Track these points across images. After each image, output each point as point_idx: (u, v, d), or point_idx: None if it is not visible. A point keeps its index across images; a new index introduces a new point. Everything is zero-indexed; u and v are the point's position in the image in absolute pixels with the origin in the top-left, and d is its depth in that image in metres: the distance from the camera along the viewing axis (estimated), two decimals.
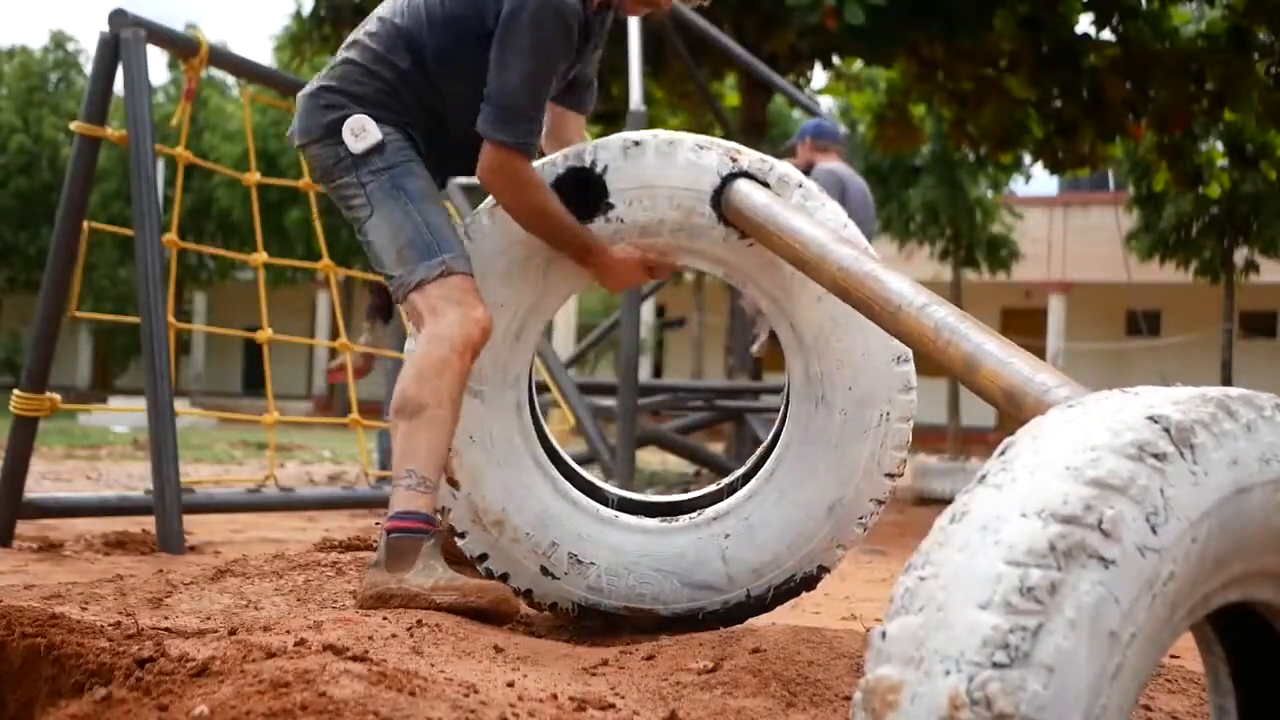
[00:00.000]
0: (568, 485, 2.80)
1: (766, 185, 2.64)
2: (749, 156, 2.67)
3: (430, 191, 2.70)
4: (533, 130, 2.63)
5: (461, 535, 2.74)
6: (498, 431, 2.72)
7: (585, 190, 2.64)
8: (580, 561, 2.72)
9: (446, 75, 2.70)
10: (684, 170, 2.63)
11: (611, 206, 2.64)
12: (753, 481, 2.80)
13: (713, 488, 2.92)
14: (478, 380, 2.66)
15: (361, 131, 2.67)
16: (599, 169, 2.64)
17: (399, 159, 2.67)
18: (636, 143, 2.65)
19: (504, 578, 2.72)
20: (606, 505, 2.84)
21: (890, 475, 2.71)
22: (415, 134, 2.73)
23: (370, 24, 2.77)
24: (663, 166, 2.63)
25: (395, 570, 2.52)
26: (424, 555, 2.53)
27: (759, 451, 2.89)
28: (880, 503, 2.73)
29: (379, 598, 2.52)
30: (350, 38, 2.80)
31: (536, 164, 2.67)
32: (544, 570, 2.72)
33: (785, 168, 2.69)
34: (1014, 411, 1.75)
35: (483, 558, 2.73)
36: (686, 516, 2.80)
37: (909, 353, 2.66)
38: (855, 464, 2.69)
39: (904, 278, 2.18)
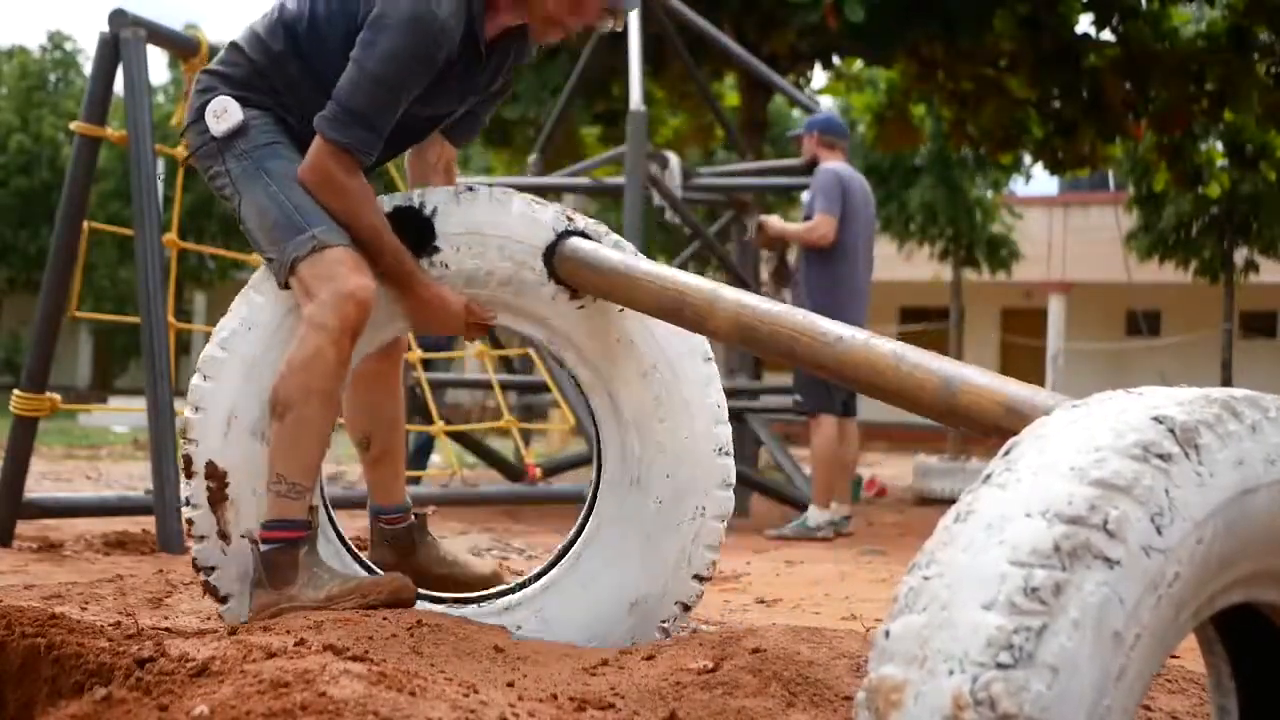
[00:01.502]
0: (357, 566, 2.65)
1: None
2: (584, 219, 2.57)
3: (296, 171, 2.57)
4: (369, 139, 2.51)
5: (224, 600, 2.50)
6: None
7: (411, 231, 2.53)
8: None
9: (321, 65, 2.58)
10: (518, 221, 2.52)
11: (437, 250, 2.52)
12: (555, 569, 2.63)
13: (535, 570, 2.72)
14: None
15: (223, 113, 2.56)
16: (428, 210, 2.53)
17: (262, 140, 2.57)
18: (470, 189, 2.55)
19: None
20: None
21: (699, 578, 2.54)
22: (291, 117, 2.62)
23: (264, 10, 2.71)
24: (496, 214, 2.52)
25: (280, 586, 2.43)
26: (304, 565, 2.44)
27: (569, 537, 2.69)
28: (686, 608, 2.56)
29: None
30: None
31: None
32: None
33: (613, 235, 2.58)
34: (1010, 425, 1.71)
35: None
36: (475, 606, 2.63)
37: (730, 445, 2.56)
38: (665, 559, 2.53)
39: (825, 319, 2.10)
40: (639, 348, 2.55)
